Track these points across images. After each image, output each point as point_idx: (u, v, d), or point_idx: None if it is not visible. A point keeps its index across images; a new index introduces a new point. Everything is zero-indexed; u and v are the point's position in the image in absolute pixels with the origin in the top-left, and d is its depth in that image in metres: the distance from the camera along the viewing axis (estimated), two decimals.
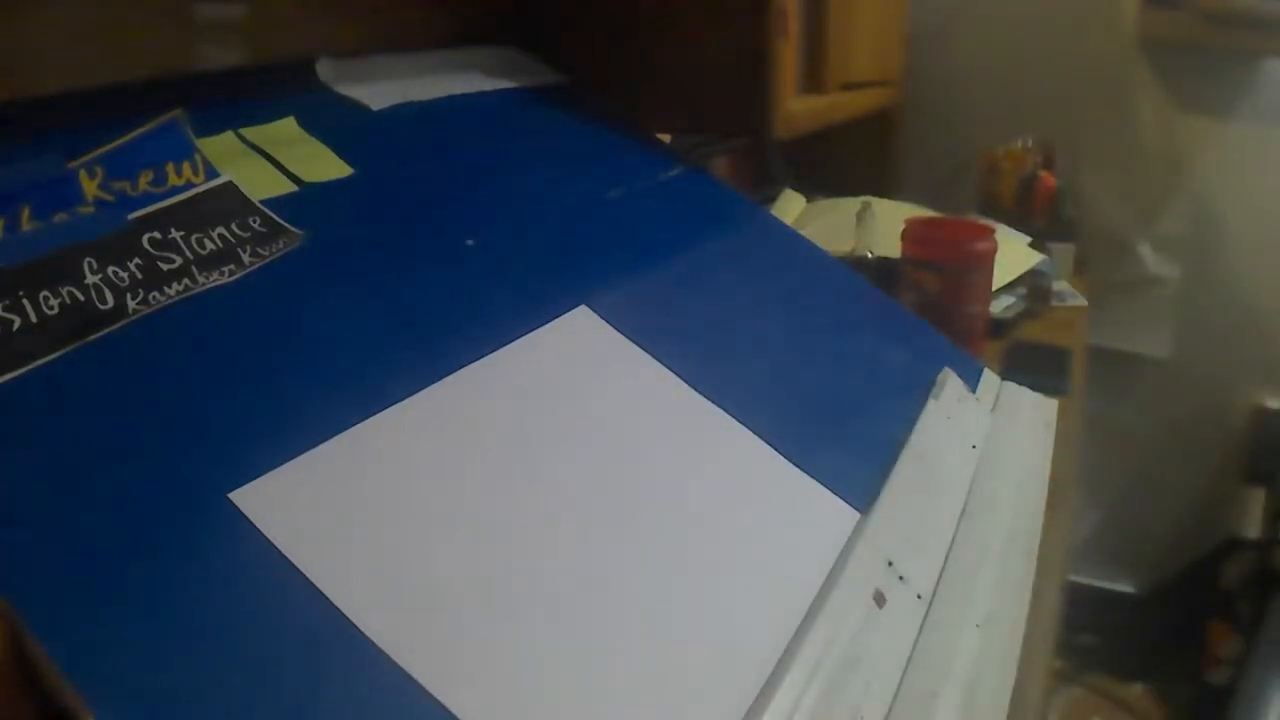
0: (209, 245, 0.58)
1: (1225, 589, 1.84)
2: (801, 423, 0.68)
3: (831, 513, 0.62)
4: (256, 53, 0.80)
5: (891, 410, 0.75)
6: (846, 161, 1.72)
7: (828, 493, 0.63)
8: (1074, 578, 1.88)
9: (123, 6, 0.69)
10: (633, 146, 0.97)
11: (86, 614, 0.38)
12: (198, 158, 0.63)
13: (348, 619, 0.41)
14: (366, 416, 0.51)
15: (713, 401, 0.65)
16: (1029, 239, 1.44)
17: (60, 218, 0.54)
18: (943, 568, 0.64)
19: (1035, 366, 1.09)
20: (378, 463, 0.49)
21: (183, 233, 0.57)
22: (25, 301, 0.49)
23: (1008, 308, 1.27)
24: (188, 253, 0.57)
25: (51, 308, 0.49)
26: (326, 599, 0.42)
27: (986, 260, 1.06)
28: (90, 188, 0.57)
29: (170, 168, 0.61)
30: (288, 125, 0.72)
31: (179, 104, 0.65)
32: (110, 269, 0.53)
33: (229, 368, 0.51)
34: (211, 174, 0.63)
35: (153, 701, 0.36)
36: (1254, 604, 1.73)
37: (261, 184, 0.65)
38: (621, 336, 0.67)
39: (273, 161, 0.68)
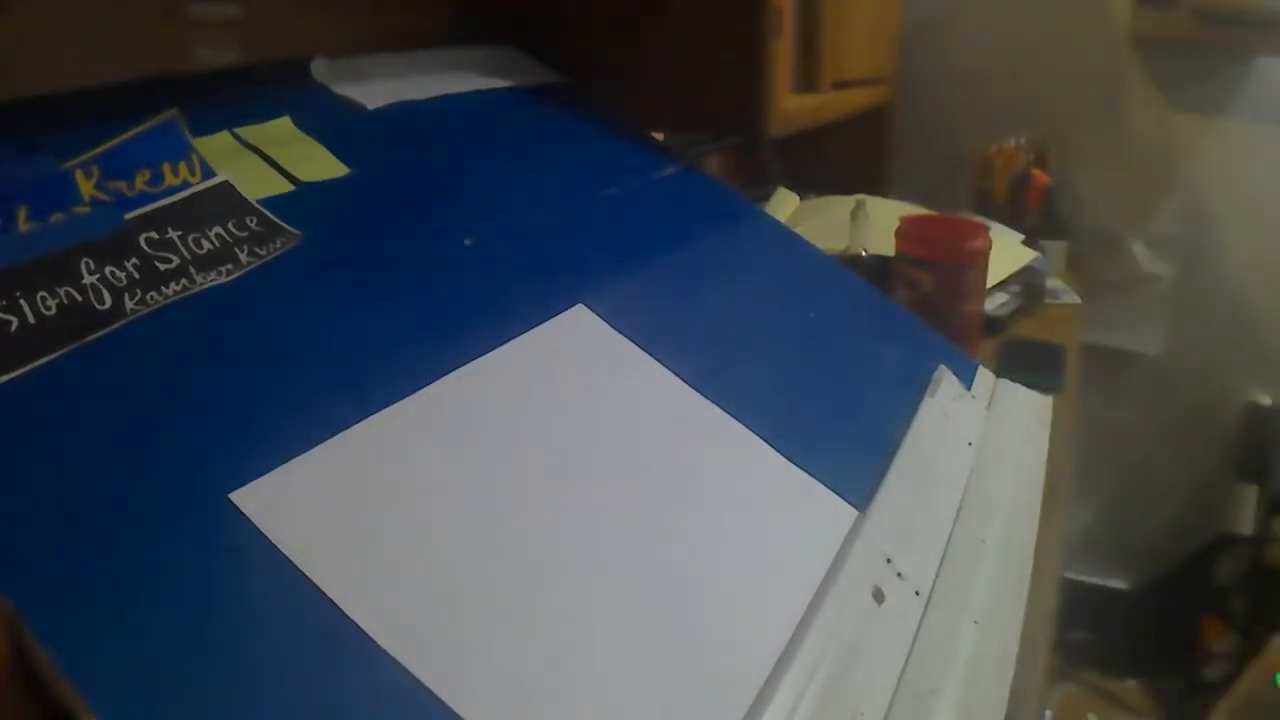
0: (206, 245, 0.58)
1: (1218, 585, 1.85)
2: (798, 420, 0.68)
3: (830, 510, 0.62)
4: (252, 52, 0.79)
5: (888, 408, 0.76)
6: (840, 160, 1.72)
7: (826, 490, 0.63)
8: (1068, 574, 1.88)
9: (118, 6, 0.69)
10: (628, 145, 0.97)
11: (86, 614, 0.38)
12: (194, 157, 0.63)
13: (349, 618, 0.41)
14: (365, 416, 0.51)
15: (710, 399, 0.65)
16: (1022, 237, 1.44)
17: (57, 218, 0.54)
18: (940, 564, 0.64)
19: (1030, 364, 1.09)
20: (377, 462, 0.49)
21: (180, 232, 0.57)
22: (23, 302, 0.48)
23: (1002, 305, 1.27)
24: (185, 253, 0.56)
25: (49, 308, 0.49)
26: (327, 598, 0.42)
27: (980, 258, 1.06)
28: (86, 188, 0.57)
29: (166, 167, 0.61)
30: (284, 125, 0.72)
31: (175, 104, 0.65)
32: (107, 269, 0.53)
33: (227, 368, 0.51)
34: (208, 174, 0.62)
35: (153, 701, 0.36)
36: (1247, 600, 1.74)
37: (258, 184, 0.65)
38: (619, 335, 0.67)
39: (269, 161, 0.68)
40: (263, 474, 0.45)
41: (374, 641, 0.41)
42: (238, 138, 0.68)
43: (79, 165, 0.57)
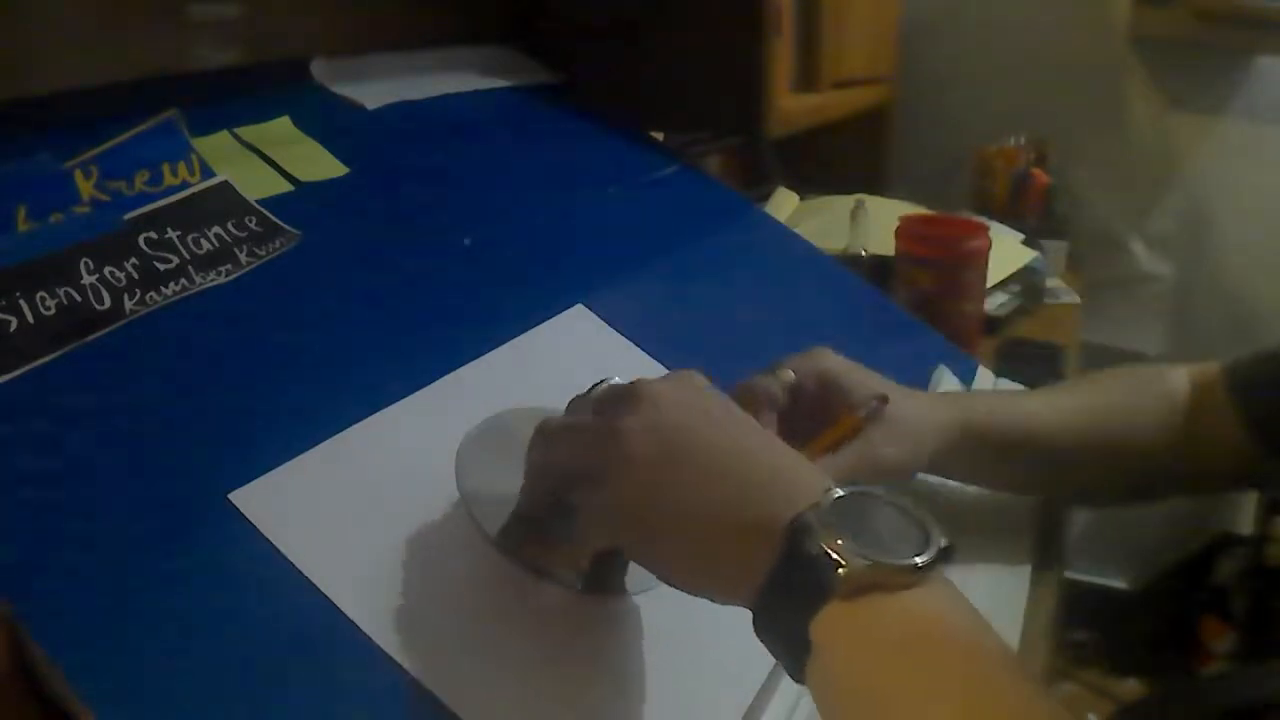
0: (205, 245, 0.58)
1: (1218, 584, 1.85)
2: None
3: None
4: (252, 52, 0.79)
5: None
6: (840, 159, 1.72)
7: None
8: (1068, 574, 1.88)
9: (118, 6, 0.69)
10: (627, 145, 0.97)
11: (86, 615, 0.38)
12: (193, 157, 0.63)
13: (348, 618, 0.41)
14: (365, 416, 0.51)
15: None
16: (1022, 236, 1.44)
17: (56, 218, 0.54)
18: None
19: (1029, 363, 1.09)
20: (377, 462, 0.49)
21: (179, 232, 0.57)
22: (22, 302, 0.48)
23: (1001, 305, 1.27)
24: (184, 253, 0.56)
25: (48, 308, 0.49)
26: (326, 598, 0.42)
27: (980, 258, 1.06)
28: (86, 188, 0.57)
29: (166, 167, 0.61)
30: (283, 125, 0.72)
31: (174, 103, 0.65)
32: (107, 269, 0.53)
33: (227, 368, 0.51)
34: (207, 174, 0.62)
35: (153, 701, 0.36)
36: (1247, 600, 1.74)
37: (257, 183, 0.65)
38: (618, 334, 0.67)
39: (268, 161, 0.68)
40: (263, 474, 0.46)
41: (373, 641, 0.41)
42: (237, 138, 0.68)
43: (79, 165, 0.57)
